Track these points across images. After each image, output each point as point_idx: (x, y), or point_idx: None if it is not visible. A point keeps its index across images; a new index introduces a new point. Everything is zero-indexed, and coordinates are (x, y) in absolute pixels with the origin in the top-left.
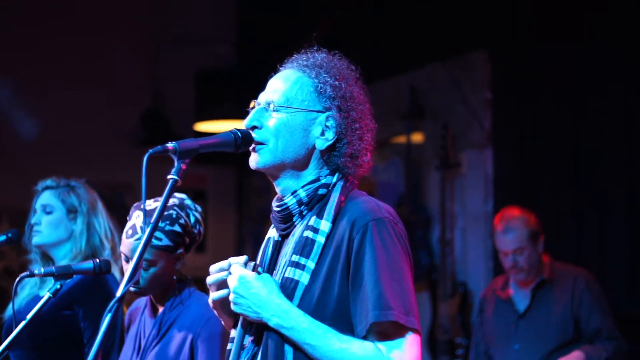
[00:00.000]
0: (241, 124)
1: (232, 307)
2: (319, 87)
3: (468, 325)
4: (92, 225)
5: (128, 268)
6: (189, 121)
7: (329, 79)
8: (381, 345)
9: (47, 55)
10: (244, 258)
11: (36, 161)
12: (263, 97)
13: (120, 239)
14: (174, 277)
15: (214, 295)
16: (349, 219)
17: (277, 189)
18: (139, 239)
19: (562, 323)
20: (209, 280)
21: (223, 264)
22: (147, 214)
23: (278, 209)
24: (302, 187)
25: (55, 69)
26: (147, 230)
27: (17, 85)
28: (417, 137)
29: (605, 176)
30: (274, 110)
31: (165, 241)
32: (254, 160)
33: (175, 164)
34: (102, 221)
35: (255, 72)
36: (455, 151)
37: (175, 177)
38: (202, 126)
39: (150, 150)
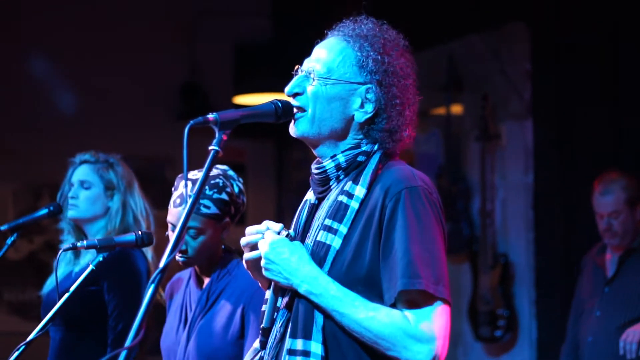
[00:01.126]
0: (279, 96)
1: (264, 272)
2: (361, 60)
3: (509, 297)
4: (128, 203)
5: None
6: (227, 94)
7: (372, 53)
8: (409, 314)
9: (85, 30)
10: (279, 226)
11: (75, 136)
12: (306, 65)
13: (154, 218)
14: (222, 247)
15: (246, 255)
16: (383, 186)
17: (317, 155)
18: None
19: None
20: (243, 241)
21: (260, 227)
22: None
23: (316, 171)
24: (342, 152)
25: (94, 43)
26: (190, 200)
27: (56, 60)
28: (457, 109)
29: None
30: (314, 79)
31: (214, 209)
32: (293, 129)
33: (216, 135)
34: (138, 199)
35: (292, 44)
36: (495, 122)
37: (217, 148)
38: (240, 99)
39: (191, 122)
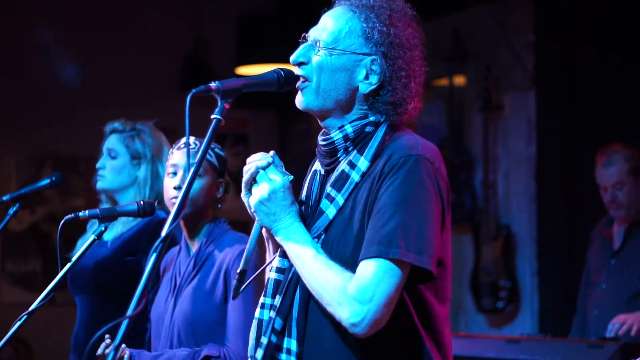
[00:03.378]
0: (282, 67)
1: (252, 202)
2: (367, 31)
3: (511, 268)
4: (157, 172)
5: (175, 201)
6: (230, 66)
7: (377, 24)
8: (358, 274)
9: (90, 3)
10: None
11: (78, 108)
12: (313, 33)
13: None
14: (211, 208)
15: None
16: (387, 154)
17: (323, 126)
18: (194, 149)
19: None
20: (246, 168)
21: (266, 156)
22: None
23: (323, 142)
24: (350, 122)
25: (97, 16)
26: (192, 171)
27: (59, 32)
28: (460, 80)
29: None
30: (320, 49)
31: (214, 160)
32: (299, 101)
33: (219, 103)
34: None
35: (295, 15)
36: (498, 94)
37: (219, 117)
38: (244, 70)
39: (194, 90)
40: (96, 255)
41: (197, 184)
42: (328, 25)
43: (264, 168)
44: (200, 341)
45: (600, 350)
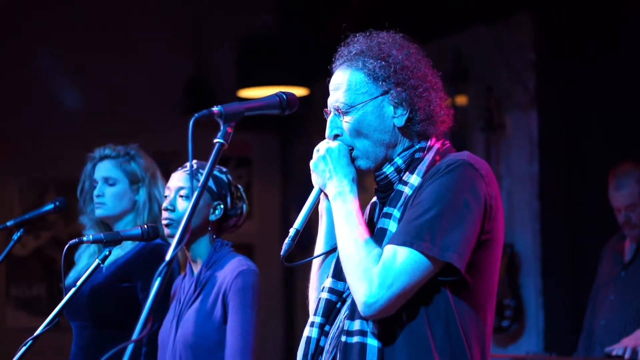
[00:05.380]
0: (284, 90)
1: (312, 164)
2: (370, 74)
3: (516, 287)
4: (153, 195)
5: (165, 222)
6: (232, 89)
7: (376, 63)
8: (385, 257)
9: (90, 25)
10: None
11: (80, 132)
12: (330, 105)
13: None
14: (209, 228)
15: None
16: (436, 168)
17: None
18: (188, 172)
19: None
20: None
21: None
22: (194, 174)
23: (378, 178)
24: (398, 154)
25: (98, 38)
26: (196, 193)
27: (60, 56)
28: (461, 100)
29: None
30: (344, 114)
31: (210, 182)
32: (358, 166)
33: (221, 127)
34: (162, 189)
35: (296, 38)
36: (500, 113)
37: (222, 141)
38: (246, 92)
39: (196, 114)
40: (92, 281)
41: (183, 206)
42: (339, 90)
43: None
44: None
45: None
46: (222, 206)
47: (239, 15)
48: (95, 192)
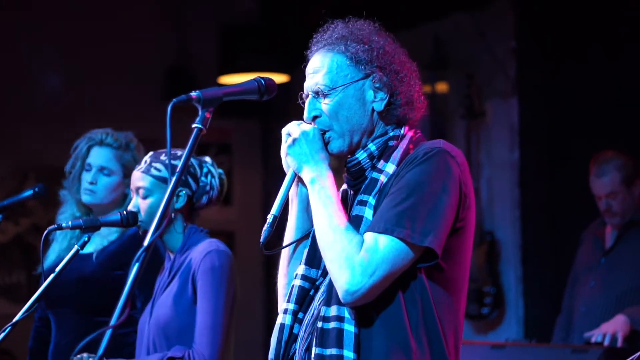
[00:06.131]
0: (264, 75)
1: (286, 148)
2: (353, 57)
3: (496, 274)
4: None
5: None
6: (213, 75)
7: (358, 46)
8: (366, 245)
9: (70, 11)
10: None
11: (60, 119)
12: (308, 88)
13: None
14: (178, 216)
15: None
16: (411, 157)
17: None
18: (142, 170)
19: (638, 265)
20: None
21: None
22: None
23: (350, 164)
24: (372, 140)
25: (79, 25)
26: (172, 182)
27: (41, 42)
28: (442, 87)
29: (634, 122)
30: (324, 96)
31: (164, 173)
32: (330, 150)
33: (200, 112)
34: None
35: (278, 25)
36: (480, 101)
37: (200, 126)
38: (226, 79)
39: (174, 100)
40: (80, 269)
41: (143, 205)
42: (319, 73)
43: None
44: (173, 345)
45: (585, 355)
46: (184, 192)
47: (220, 1)
48: (89, 179)
